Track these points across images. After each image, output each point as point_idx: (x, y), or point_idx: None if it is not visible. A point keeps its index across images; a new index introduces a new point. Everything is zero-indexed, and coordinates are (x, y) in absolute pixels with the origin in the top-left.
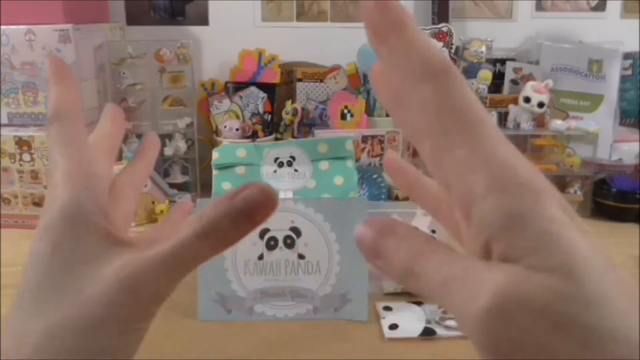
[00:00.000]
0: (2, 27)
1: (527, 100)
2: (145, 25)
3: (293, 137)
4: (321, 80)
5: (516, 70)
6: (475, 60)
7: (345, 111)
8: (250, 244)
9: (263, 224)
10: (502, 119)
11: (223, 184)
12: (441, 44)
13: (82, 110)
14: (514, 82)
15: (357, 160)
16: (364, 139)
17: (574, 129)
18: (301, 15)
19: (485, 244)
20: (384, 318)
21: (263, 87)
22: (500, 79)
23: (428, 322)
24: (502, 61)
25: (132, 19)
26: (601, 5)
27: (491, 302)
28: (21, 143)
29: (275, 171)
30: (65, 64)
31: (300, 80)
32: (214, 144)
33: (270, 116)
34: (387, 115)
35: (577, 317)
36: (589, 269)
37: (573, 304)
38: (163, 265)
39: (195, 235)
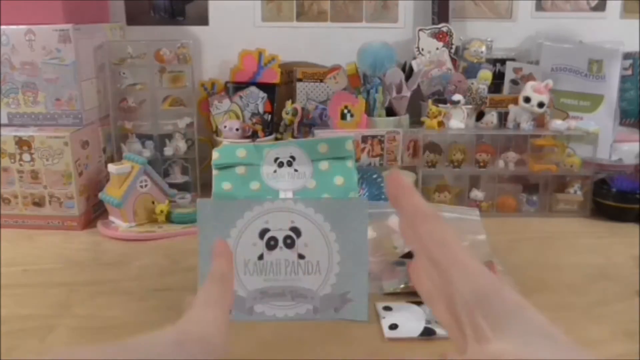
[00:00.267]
0: (2, 27)
1: (527, 100)
2: (145, 25)
3: (293, 137)
4: (321, 80)
5: (516, 70)
6: (475, 60)
7: (345, 111)
8: (250, 244)
9: (263, 224)
10: (502, 119)
11: (223, 184)
12: (441, 44)
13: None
14: (514, 82)
15: (357, 160)
16: (364, 139)
17: (574, 129)
18: (301, 15)
19: None
20: (384, 318)
21: (263, 87)
22: (500, 79)
23: (428, 322)
24: (502, 61)
25: (132, 19)
26: (601, 5)
27: None
28: (21, 143)
29: (275, 171)
30: (228, 247)
31: (300, 80)
32: (214, 144)
33: (270, 116)
34: (387, 115)
35: None
36: None
37: None
38: None
39: None
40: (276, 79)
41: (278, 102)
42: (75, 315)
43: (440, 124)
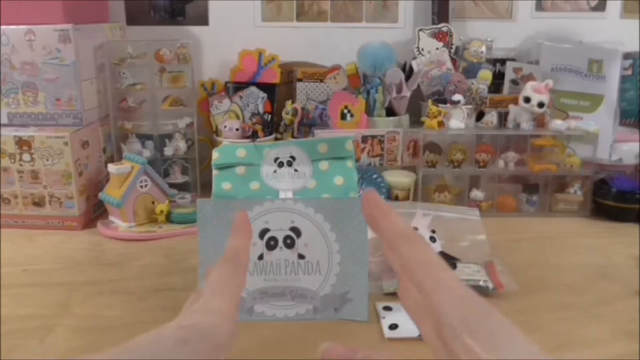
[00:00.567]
0: (2, 27)
1: (527, 100)
2: (145, 25)
3: (293, 137)
4: (321, 80)
5: (516, 70)
6: (475, 60)
7: (345, 111)
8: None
9: (263, 224)
10: (502, 119)
11: (223, 184)
12: (441, 44)
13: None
14: (514, 82)
15: (357, 160)
16: (364, 139)
17: (574, 129)
18: (301, 15)
19: None
20: (384, 318)
21: (263, 87)
22: (500, 79)
23: None
24: (502, 61)
25: (132, 19)
26: (601, 5)
27: None
28: (21, 143)
29: (275, 171)
30: (248, 221)
31: (300, 80)
32: (214, 144)
33: (270, 116)
34: (387, 115)
35: None
36: None
37: None
38: None
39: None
40: (276, 79)
41: (278, 102)
42: (75, 315)
43: (440, 124)
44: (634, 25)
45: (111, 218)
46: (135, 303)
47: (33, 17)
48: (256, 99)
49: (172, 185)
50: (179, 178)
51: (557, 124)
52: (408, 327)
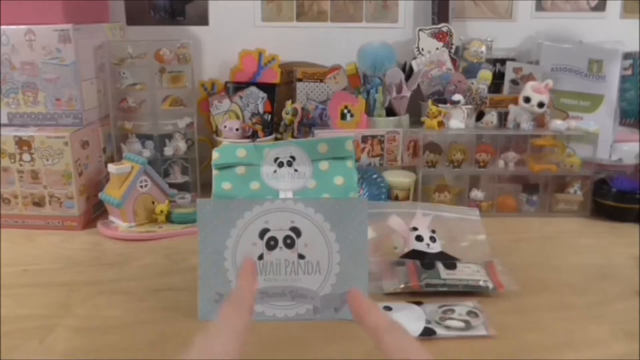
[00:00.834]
0: (2, 27)
1: (527, 100)
2: (145, 25)
3: (293, 137)
4: (321, 80)
5: (516, 70)
6: (475, 60)
7: (345, 111)
8: (250, 244)
9: (263, 224)
10: (502, 119)
11: (223, 184)
12: (441, 44)
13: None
14: (514, 82)
15: (357, 160)
16: (364, 139)
17: (574, 129)
18: (301, 15)
19: None
20: None
21: (263, 87)
22: (500, 79)
23: (428, 322)
24: (502, 61)
25: (132, 19)
26: (601, 5)
27: None
28: (21, 143)
29: (275, 171)
30: (255, 267)
31: (300, 80)
32: (214, 144)
33: (270, 116)
34: (387, 115)
35: None
36: None
37: None
38: None
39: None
40: (276, 79)
41: (278, 102)
42: (75, 315)
43: (440, 124)
44: (634, 25)
45: (111, 218)
46: (135, 303)
47: (33, 17)
48: (256, 99)
49: (172, 185)
50: (179, 178)
51: (557, 124)
52: (408, 327)
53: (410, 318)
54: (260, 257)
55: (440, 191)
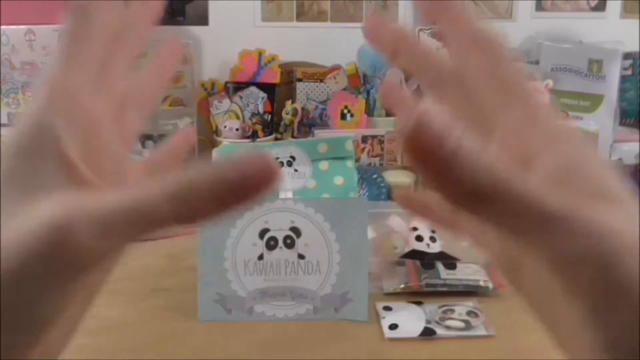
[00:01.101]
0: (2, 27)
1: None
2: None
3: (293, 137)
4: (321, 80)
5: None
6: None
7: (345, 111)
8: (250, 244)
9: (263, 224)
10: None
11: None
12: (441, 43)
13: None
14: None
15: (357, 160)
16: (364, 139)
17: None
18: (301, 15)
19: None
20: (384, 318)
21: (263, 87)
22: None
23: (428, 322)
24: None
25: None
26: (601, 5)
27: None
28: None
29: None
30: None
31: (300, 80)
32: (214, 144)
33: (270, 116)
34: (387, 115)
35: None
36: None
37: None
38: (111, 220)
39: (165, 197)
40: (276, 79)
41: (278, 102)
42: None
43: None
44: (634, 25)
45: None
46: (135, 303)
47: (33, 17)
48: (256, 99)
49: None
50: None
51: None
52: (408, 327)
53: (410, 318)
54: (260, 257)
55: None
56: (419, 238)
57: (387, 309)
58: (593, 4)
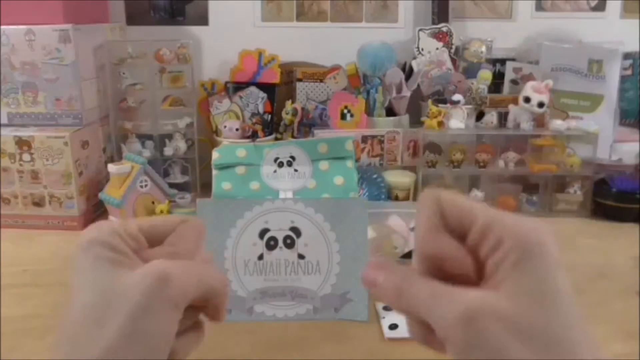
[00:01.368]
0: (2, 27)
1: (527, 100)
2: (145, 25)
3: (293, 137)
4: (321, 80)
5: (516, 70)
6: (475, 60)
7: (345, 111)
8: (250, 244)
9: (263, 224)
10: (502, 119)
11: (223, 184)
12: (441, 44)
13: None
14: (514, 82)
15: (357, 160)
16: (364, 139)
17: (574, 129)
18: (301, 15)
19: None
20: (384, 318)
21: (263, 87)
22: (500, 79)
23: None
24: (502, 61)
25: (132, 19)
26: (601, 5)
27: (466, 310)
28: (21, 143)
29: (275, 171)
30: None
31: (300, 80)
32: (214, 144)
33: (270, 116)
34: (387, 115)
35: (540, 326)
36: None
37: (537, 317)
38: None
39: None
40: (276, 79)
41: (278, 102)
42: None
43: (440, 124)
44: (634, 25)
45: (111, 218)
46: None
47: (33, 17)
48: (256, 99)
49: (172, 185)
50: (179, 178)
51: (557, 124)
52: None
53: None
54: (260, 257)
55: None
56: None
57: (387, 309)
58: (593, 4)
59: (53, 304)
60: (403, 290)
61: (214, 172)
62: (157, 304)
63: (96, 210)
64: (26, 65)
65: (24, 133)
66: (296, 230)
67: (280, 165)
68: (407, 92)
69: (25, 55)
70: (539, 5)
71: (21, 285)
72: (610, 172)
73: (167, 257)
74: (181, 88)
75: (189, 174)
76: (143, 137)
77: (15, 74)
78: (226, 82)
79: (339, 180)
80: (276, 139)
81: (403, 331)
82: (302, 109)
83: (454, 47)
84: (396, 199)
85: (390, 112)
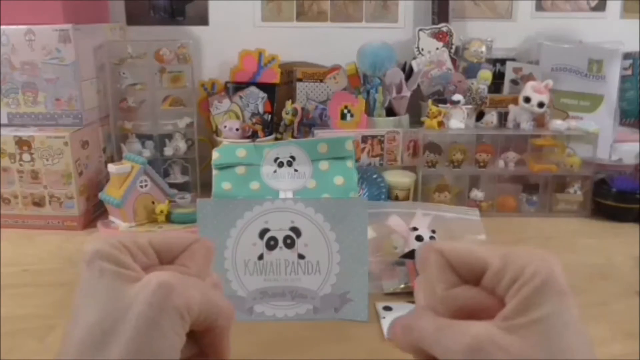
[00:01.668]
0: (2, 27)
1: (527, 100)
2: (145, 25)
3: (293, 137)
4: (321, 80)
5: (516, 70)
6: (475, 60)
7: (345, 111)
8: (250, 244)
9: (263, 224)
10: (502, 119)
11: (223, 184)
12: (441, 44)
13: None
14: (514, 82)
15: (357, 160)
16: (364, 139)
17: (574, 129)
18: (301, 15)
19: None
20: (384, 318)
21: (263, 87)
22: (500, 79)
23: None
24: (502, 61)
25: (132, 19)
26: (601, 5)
27: (472, 341)
28: (21, 143)
29: (275, 171)
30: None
31: (300, 80)
32: (214, 144)
33: (270, 116)
34: (387, 115)
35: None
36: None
37: (542, 352)
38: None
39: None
40: (276, 79)
41: (278, 102)
42: None
43: (440, 124)
44: (634, 25)
45: (111, 218)
46: None
47: (33, 17)
48: (256, 99)
49: (172, 185)
50: (179, 178)
51: (557, 124)
52: None
53: None
54: (260, 257)
55: (440, 191)
56: (419, 238)
57: (387, 309)
58: (593, 4)
59: (53, 304)
60: (412, 325)
61: (214, 172)
62: (162, 313)
63: (96, 210)
64: (26, 65)
65: (24, 133)
66: (296, 230)
67: (280, 165)
68: (407, 92)
69: (25, 55)
70: (539, 5)
71: (21, 285)
72: (610, 172)
73: None
74: (181, 88)
75: (189, 174)
76: (143, 137)
77: (15, 74)
78: (226, 82)
79: (339, 180)
80: (276, 139)
81: None
82: (302, 109)
83: (454, 47)
84: (396, 199)
85: (390, 112)
